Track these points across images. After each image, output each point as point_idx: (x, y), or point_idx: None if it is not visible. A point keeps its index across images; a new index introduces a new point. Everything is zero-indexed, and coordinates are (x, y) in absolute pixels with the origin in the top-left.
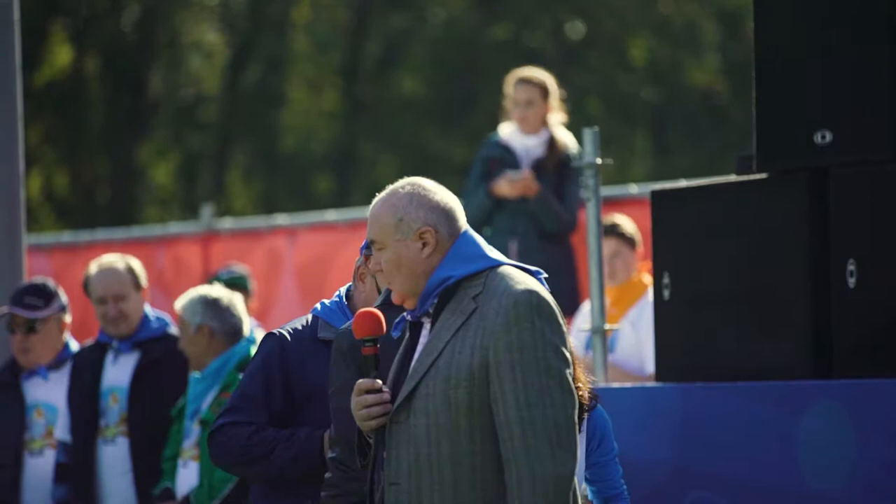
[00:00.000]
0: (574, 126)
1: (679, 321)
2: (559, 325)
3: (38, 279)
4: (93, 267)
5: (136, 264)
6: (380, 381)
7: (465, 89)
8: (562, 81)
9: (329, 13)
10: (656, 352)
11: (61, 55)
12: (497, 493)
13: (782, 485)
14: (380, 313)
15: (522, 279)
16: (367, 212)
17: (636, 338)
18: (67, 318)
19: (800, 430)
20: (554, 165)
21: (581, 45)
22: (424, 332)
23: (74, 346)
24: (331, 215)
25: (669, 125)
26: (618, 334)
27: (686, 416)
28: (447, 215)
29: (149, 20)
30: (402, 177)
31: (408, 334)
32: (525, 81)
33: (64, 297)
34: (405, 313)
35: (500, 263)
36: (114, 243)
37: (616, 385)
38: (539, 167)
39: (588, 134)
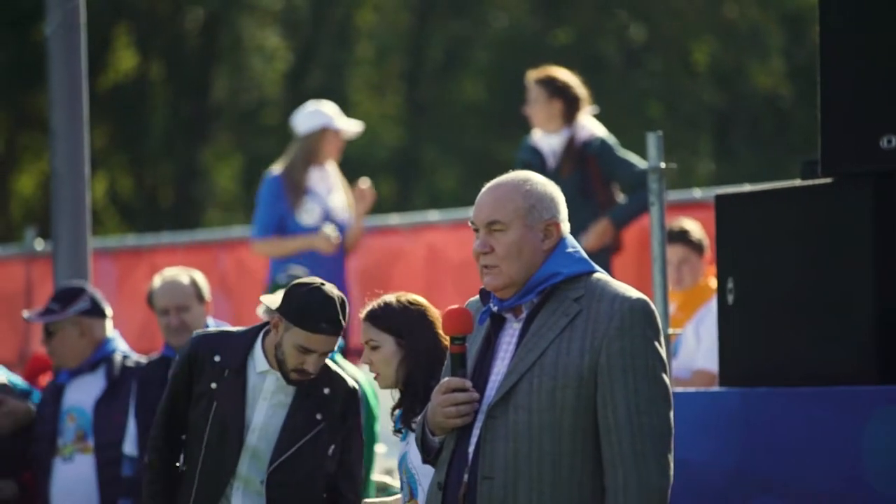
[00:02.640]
0: (636, 130)
1: (743, 326)
2: (662, 337)
3: (72, 282)
4: (157, 280)
5: (200, 277)
6: (468, 381)
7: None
8: (624, 85)
9: (391, 18)
10: (720, 356)
11: (126, 60)
12: (592, 495)
13: (847, 491)
14: (470, 311)
15: (626, 286)
16: (428, 216)
17: (696, 341)
18: (95, 321)
19: (865, 435)
20: (575, 164)
21: (643, 49)
22: (510, 329)
23: (123, 346)
24: (393, 219)
25: (734, 129)
26: (681, 339)
27: (750, 421)
28: (564, 215)
29: (212, 25)
30: (463, 181)
31: (486, 326)
32: (531, 81)
33: (89, 301)
34: (490, 304)
35: (597, 269)
36: (177, 247)
37: (680, 389)
38: (559, 169)
39: (652, 138)
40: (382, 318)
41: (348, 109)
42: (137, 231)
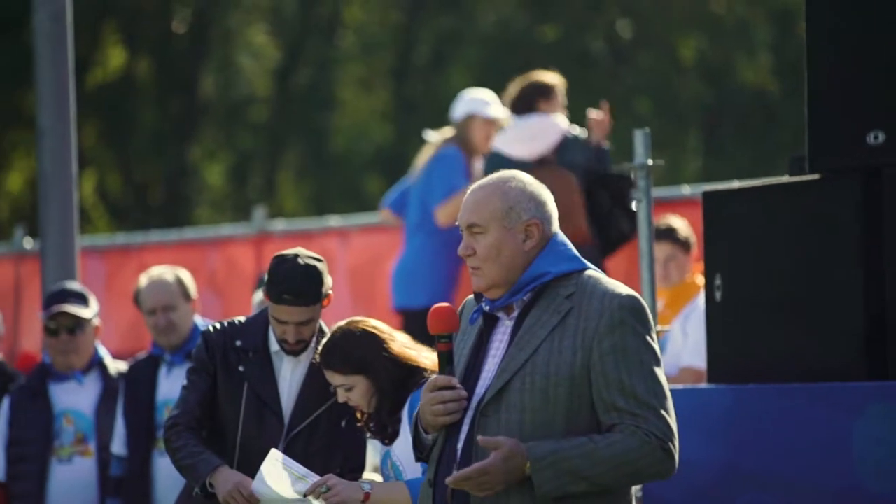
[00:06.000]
0: (625, 127)
1: (731, 323)
2: (653, 333)
3: (72, 284)
4: (143, 279)
5: (186, 276)
6: (455, 379)
7: None
8: (612, 82)
9: (379, 14)
10: (708, 353)
11: (114, 57)
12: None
13: (837, 487)
14: (453, 309)
15: (617, 283)
16: None
17: (683, 338)
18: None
19: (855, 431)
20: None
21: (631, 46)
22: (502, 327)
23: (103, 351)
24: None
25: (722, 125)
26: (668, 336)
27: (739, 418)
28: (550, 214)
29: (200, 22)
30: None
31: (479, 326)
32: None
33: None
34: (482, 303)
35: (589, 267)
36: (166, 245)
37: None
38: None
39: (639, 135)
40: (340, 362)
41: (336, 106)
42: (126, 229)
